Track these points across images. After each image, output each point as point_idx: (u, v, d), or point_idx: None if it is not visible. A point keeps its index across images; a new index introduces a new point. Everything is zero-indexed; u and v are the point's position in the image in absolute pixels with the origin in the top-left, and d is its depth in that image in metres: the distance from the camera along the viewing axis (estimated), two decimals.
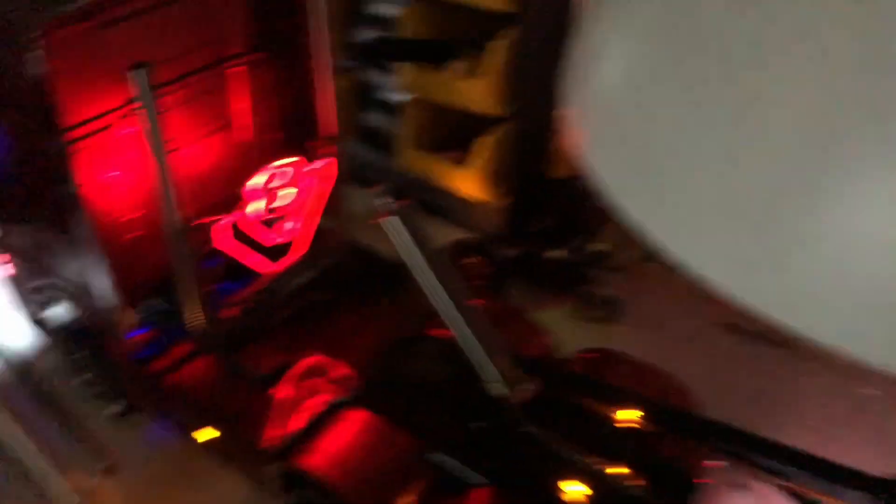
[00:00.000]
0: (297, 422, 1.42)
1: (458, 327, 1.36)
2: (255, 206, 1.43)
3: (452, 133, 2.17)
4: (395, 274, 1.82)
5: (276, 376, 1.50)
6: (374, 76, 2.31)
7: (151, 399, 1.59)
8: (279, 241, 1.53)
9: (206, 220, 1.38)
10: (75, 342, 1.70)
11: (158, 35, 1.35)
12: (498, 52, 1.93)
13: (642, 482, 1.26)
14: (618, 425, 1.38)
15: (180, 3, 1.39)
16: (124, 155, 1.39)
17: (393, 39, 2.03)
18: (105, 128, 1.34)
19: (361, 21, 2.27)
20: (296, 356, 1.54)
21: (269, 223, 1.51)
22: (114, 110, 1.34)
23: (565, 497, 1.26)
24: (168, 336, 1.64)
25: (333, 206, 1.67)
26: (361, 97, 2.39)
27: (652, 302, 2.04)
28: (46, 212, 1.45)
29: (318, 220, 1.58)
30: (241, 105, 1.55)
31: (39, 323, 1.77)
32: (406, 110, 2.18)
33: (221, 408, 1.47)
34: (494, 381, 1.36)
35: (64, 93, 1.23)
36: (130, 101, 1.28)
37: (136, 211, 1.45)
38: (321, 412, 1.42)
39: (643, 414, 1.37)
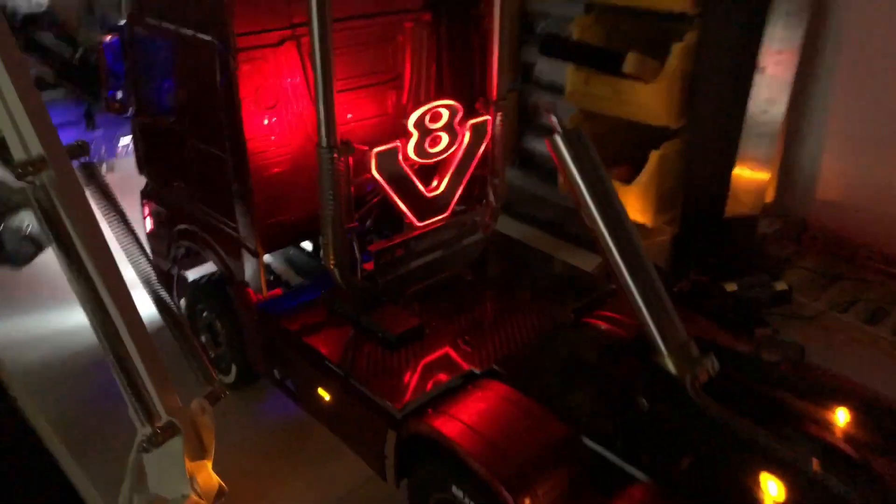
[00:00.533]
0: (431, 386, 1.26)
1: (619, 273, 1.17)
2: (413, 141, 1.34)
3: (618, 150, 2.02)
4: (542, 265, 1.68)
5: (408, 339, 1.36)
6: (540, 96, 2.23)
7: (275, 359, 1.48)
8: (428, 193, 1.42)
9: (364, 146, 1.30)
10: (208, 297, 1.65)
11: None
12: (674, 56, 1.80)
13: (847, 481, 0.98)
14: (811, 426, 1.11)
15: None
16: (284, 81, 1.37)
17: (567, 39, 1.96)
18: (275, 44, 1.33)
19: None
20: (430, 322, 1.39)
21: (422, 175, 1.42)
22: (283, 28, 1.33)
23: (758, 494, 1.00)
24: (299, 294, 1.55)
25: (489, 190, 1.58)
26: (524, 120, 2.32)
27: (837, 356, 1.70)
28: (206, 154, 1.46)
29: (464, 182, 1.47)
30: (406, 60, 1.51)
31: (175, 275, 1.74)
32: (569, 124, 2.08)
33: (350, 367, 1.33)
34: (666, 352, 1.13)
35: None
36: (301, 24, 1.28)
37: (285, 147, 1.41)
38: (457, 380, 1.26)
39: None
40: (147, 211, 1.80)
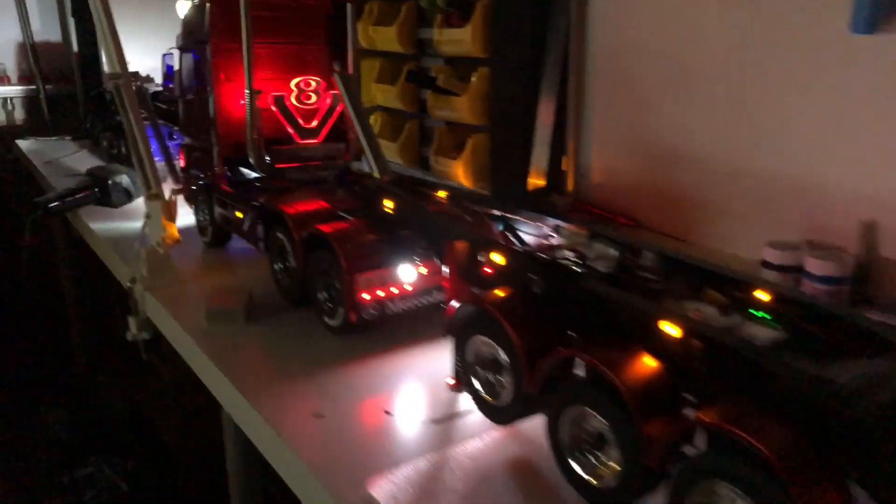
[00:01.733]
0: None
1: (365, 147, 2.51)
2: (293, 95, 2.77)
3: (455, 139, 3.39)
4: None
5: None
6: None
7: None
8: (305, 126, 2.83)
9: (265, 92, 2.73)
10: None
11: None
12: (475, 80, 3.20)
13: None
14: None
15: None
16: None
17: (420, 73, 3.40)
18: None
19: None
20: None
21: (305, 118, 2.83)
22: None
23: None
24: None
25: None
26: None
27: None
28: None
29: (328, 124, 2.86)
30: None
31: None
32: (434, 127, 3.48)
33: None
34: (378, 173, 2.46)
35: None
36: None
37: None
38: None
39: None
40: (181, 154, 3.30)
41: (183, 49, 3.05)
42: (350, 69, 2.90)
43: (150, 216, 2.55)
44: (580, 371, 1.43)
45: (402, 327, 2.21)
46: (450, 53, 3.34)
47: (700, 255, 1.68)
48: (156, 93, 4.49)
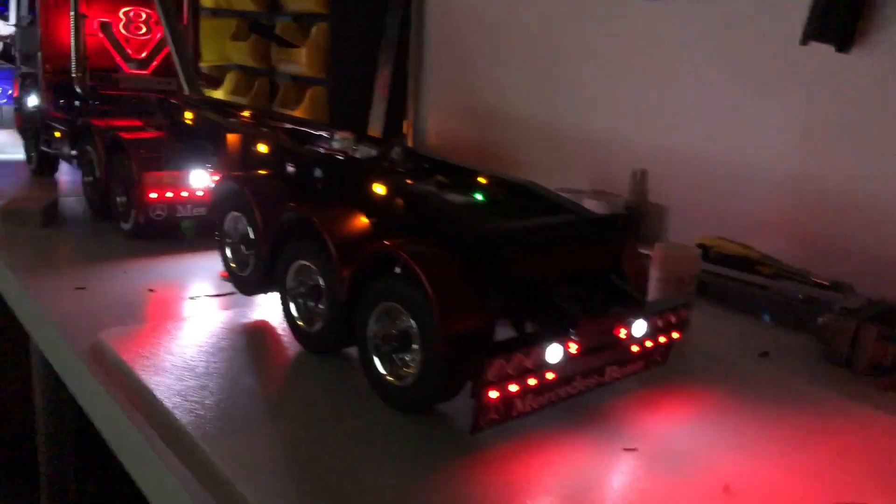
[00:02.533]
0: None
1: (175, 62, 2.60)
2: (121, 23, 2.83)
3: (296, 94, 3.52)
4: None
5: None
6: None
7: None
8: (133, 54, 2.89)
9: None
10: None
11: None
12: (314, 33, 3.34)
13: None
14: None
15: None
16: None
17: (263, 25, 3.52)
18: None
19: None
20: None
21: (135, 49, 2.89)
22: None
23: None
24: None
25: None
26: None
27: None
28: None
29: (158, 58, 2.93)
30: None
31: None
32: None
33: None
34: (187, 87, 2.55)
35: None
36: None
37: None
38: None
39: None
40: None
41: None
42: (186, 7, 2.99)
43: None
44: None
45: (192, 237, 2.30)
46: (295, 10, 3.47)
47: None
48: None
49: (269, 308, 1.80)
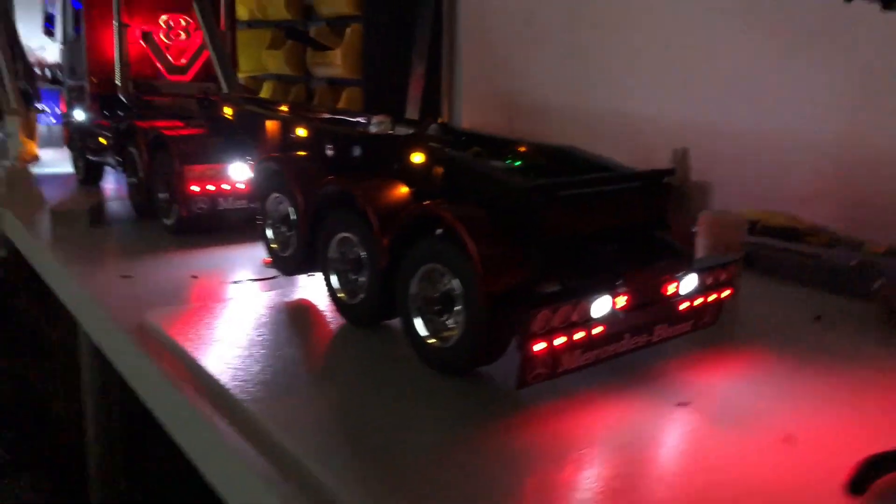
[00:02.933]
0: None
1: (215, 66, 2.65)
2: (161, 32, 2.90)
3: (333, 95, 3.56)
4: None
5: None
6: None
7: None
8: (174, 62, 2.95)
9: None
10: None
11: None
12: (348, 35, 3.38)
13: None
14: None
15: None
16: None
17: (297, 30, 3.56)
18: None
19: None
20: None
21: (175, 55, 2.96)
22: None
23: None
24: None
25: None
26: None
27: None
28: None
29: (197, 64, 2.99)
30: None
31: None
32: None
33: None
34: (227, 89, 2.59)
35: None
36: None
37: None
38: None
39: None
40: None
41: None
42: (223, 17, 3.05)
43: (10, 133, 2.64)
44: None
45: (236, 230, 2.32)
46: (328, 14, 3.52)
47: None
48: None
49: (310, 290, 1.80)
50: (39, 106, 3.05)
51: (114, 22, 2.77)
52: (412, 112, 3.42)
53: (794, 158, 2.32)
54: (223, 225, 2.31)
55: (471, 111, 3.51)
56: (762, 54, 2.40)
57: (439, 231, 1.33)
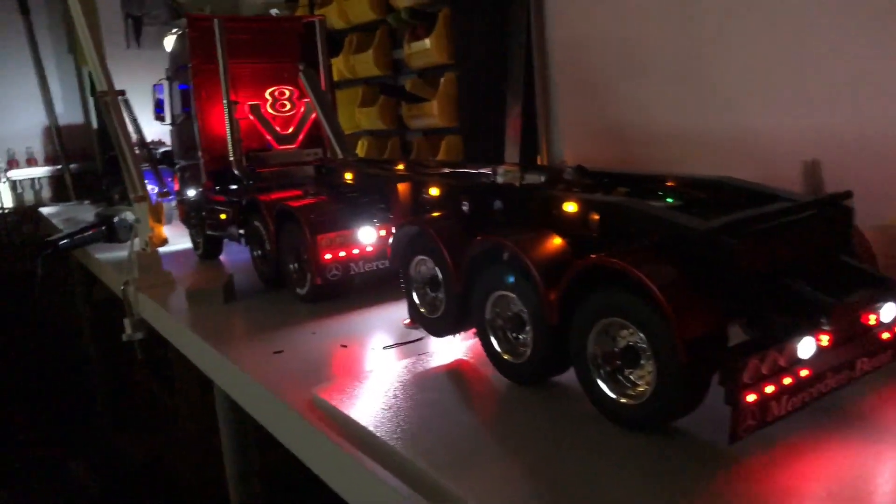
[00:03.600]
0: None
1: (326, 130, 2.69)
2: (268, 103, 2.98)
3: (432, 145, 3.58)
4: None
5: None
6: None
7: None
8: (281, 133, 3.02)
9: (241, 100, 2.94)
10: None
11: None
12: (443, 84, 3.40)
13: None
14: None
15: None
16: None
17: (392, 85, 3.61)
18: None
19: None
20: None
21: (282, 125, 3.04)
22: None
23: None
24: None
25: None
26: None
27: None
28: None
29: (303, 130, 3.06)
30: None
31: None
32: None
33: None
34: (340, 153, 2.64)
35: None
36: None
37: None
38: None
39: None
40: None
41: (170, 78, 3.31)
42: (323, 83, 3.12)
43: (139, 219, 2.74)
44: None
45: (367, 293, 2.34)
46: (419, 66, 3.56)
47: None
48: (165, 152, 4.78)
49: (462, 349, 1.78)
50: (164, 190, 3.17)
51: (223, 100, 2.85)
52: (511, 156, 3.40)
53: None
54: (354, 289, 2.33)
55: (571, 146, 3.46)
56: (891, 47, 2.28)
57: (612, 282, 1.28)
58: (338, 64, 3.98)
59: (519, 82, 3.36)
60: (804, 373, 1.17)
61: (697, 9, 2.84)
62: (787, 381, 1.15)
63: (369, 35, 3.92)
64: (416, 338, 1.89)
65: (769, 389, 1.13)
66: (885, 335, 1.30)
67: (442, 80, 3.41)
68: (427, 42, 3.37)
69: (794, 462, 1.15)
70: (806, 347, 1.16)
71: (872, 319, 1.27)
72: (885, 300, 1.27)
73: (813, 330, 1.17)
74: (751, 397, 1.11)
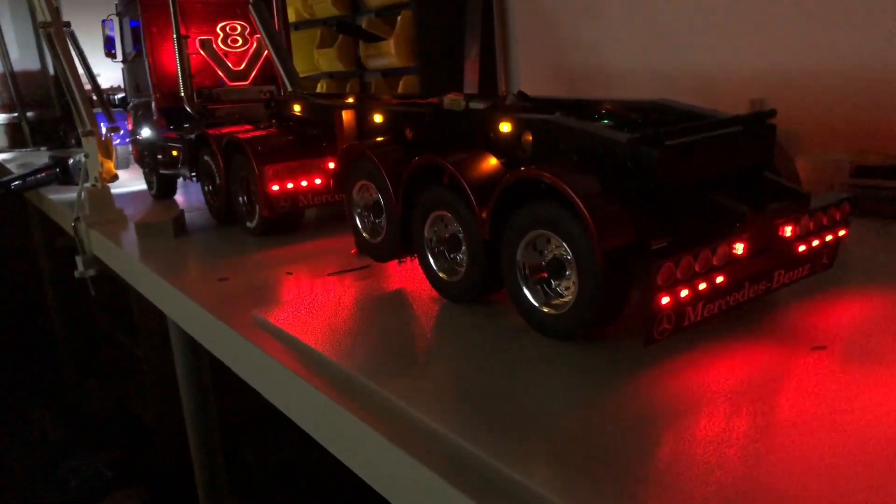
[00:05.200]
0: None
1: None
2: (219, 38, 2.93)
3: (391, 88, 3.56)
4: None
5: None
6: None
7: None
8: (233, 67, 2.99)
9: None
10: None
11: None
12: (399, 23, 3.37)
13: None
14: None
15: None
16: None
17: (350, 23, 3.57)
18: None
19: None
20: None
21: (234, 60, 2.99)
22: None
23: None
24: None
25: None
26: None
27: None
28: None
29: (256, 68, 3.02)
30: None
31: None
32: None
33: None
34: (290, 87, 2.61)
35: None
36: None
37: None
38: None
39: None
40: None
41: (121, 14, 3.23)
42: (276, 20, 3.07)
43: (88, 154, 2.70)
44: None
45: (318, 226, 2.34)
46: (377, 5, 3.52)
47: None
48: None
49: (406, 277, 1.80)
50: (115, 125, 3.11)
51: (173, 35, 2.80)
52: (470, 91, 3.39)
53: (885, 91, 2.22)
54: (304, 222, 2.33)
55: (529, 86, 3.46)
56: None
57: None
58: (296, 4, 3.92)
59: (477, 23, 3.34)
60: (720, 279, 1.21)
61: None
62: (702, 286, 1.19)
63: None
64: (361, 266, 1.91)
65: (684, 293, 1.17)
66: (802, 247, 1.34)
67: (399, 18, 3.37)
68: None
69: (709, 364, 1.20)
70: (721, 253, 1.19)
71: (788, 231, 1.31)
72: (801, 213, 1.31)
73: (728, 236, 1.20)
74: (665, 300, 1.15)
